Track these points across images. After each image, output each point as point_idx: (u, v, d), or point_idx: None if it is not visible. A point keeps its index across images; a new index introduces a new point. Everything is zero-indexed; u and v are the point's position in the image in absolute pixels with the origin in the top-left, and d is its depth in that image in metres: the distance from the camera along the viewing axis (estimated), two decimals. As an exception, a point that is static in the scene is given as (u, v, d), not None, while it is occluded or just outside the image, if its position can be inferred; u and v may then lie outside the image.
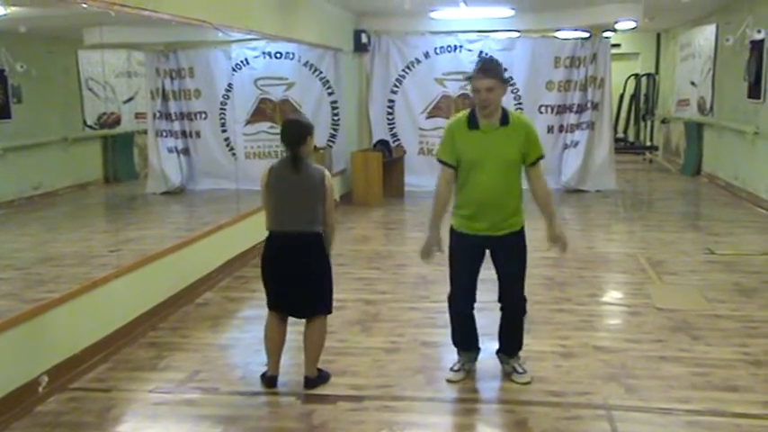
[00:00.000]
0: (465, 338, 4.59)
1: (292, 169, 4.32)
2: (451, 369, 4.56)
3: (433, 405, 4.28)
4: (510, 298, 4.47)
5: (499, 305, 4.52)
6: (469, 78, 4.23)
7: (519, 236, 4.38)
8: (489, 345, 4.95)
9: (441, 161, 4.35)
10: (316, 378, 4.45)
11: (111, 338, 4.98)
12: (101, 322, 4.92)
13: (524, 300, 4.51)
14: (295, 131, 4.38)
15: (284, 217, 4.35)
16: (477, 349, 4.63)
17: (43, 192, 7.88)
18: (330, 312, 4.52)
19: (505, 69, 4.33)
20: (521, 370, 4.51)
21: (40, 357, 4.32)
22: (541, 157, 4.34)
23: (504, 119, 4.24)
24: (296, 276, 4.34)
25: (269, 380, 4.47)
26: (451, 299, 4.53)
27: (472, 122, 4.25)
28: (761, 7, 10.04)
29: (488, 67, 4.18)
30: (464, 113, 4.34)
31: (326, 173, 4.43)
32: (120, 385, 4.52)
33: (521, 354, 4.59)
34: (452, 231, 4.39)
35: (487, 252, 4.40)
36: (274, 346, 4.48)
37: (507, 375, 4.52)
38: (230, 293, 6.47)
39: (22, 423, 4.00)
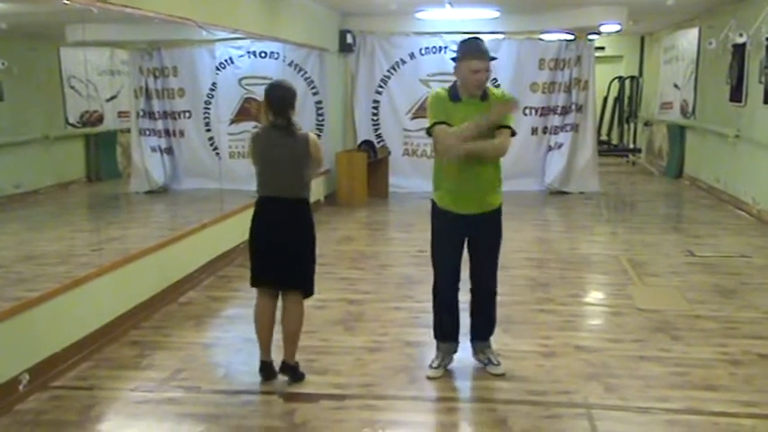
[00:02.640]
0: (447, 327, 4.60)
1: (284, 134, 4.30)
2: (431, 366, 4.59)
3: (415, 404, 4.29)
4: (485, 276, 4.52)
5: (470, 288, 4.56)
6: (454, 59, 4.29)
7: (497, 214, 4.45)
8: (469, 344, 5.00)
9: (437, 122, 4.25)
10: (294, 366, 4.44)
11: (93, 337, 4.96)
12: (83, 321, 4.90)
13: (495, 279, 4.56)
14: (286, 96, 4.37)
15: (274, 182, 4.35)
16: (457, 342, 4.65)
17: (24, 191, 7.83)
18: (311, 293, 4.49)
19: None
20: (495, 361, 4.56)
21: (21, 355, 4.29)
22: (511, 130, 4.28)
23: (484, 94, 4.32)
24: (283, 240, 4.32)
25: (263, 367, 4.46)
26: (436, 284, 4.56)
27: (453, 95, 4.33)
28: (743, 11, 10.14)
29: (484, 48, 4.28)
30: (444, 88, 4.42)
31: (311, 135, 4.41)
32: (102, 384, 4.50)
33: (494, 347, 4.63)
34: (435, 208, 4.46)
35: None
36: (263, 328, 4.47)
37: (483, 367, 4.57)
38: (213, 293, 6.46)
39: (2, 422, 3.98)
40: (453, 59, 4.34)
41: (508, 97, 4.39)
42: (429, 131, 4.34)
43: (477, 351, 4.65)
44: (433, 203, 4.48)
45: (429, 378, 4.50)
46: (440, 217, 4.46)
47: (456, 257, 4.47)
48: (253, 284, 4.49)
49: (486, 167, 4.33)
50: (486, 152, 4.26)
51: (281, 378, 4.47)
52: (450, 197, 4.37)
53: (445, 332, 4.63)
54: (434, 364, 4.58)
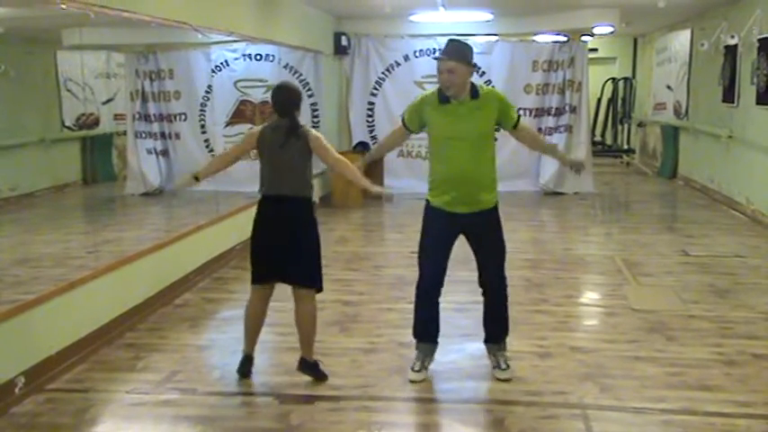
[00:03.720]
0: (426, 327, 4.60)
1: (289, 134, 4.32)
2: (412, 369, 4.56)
3: (411, 405, 4.31)
4: (489, 277, 4.53)
5: (480, 290, 4.58)
6: (438, 58, 4.33)
7: (493, 213, 4.45)
8: (467, 345, 5.03)
9: (402, 119, 4.59)
10: (312, 364, 4.47)
11: (89, 339, 4.96)
12: (78, 323, 4.90)
13: (504, 279, 4.56)
14: (291, 97, 4.41)
15: (277, 181, 4.38)
16: (435, 343, 4.64)
17: (20, 193, 7.82)
18: (320, 289, 4.52)
19: (481, 70, 4.42)
20: (504, 366, 4.55)
21: (17, 358, 4.29)
22: (519, 118, 4.52)
23: (474, 93, 4.33)
24: (288, 239, 4.34)
25: (245, 360, 4.51)
26: (420, 281, 4.57)
27: (443, 97, 4.34)
28: (734, 13, 10.19)
29: (449, 49, 4.29)
30: (435, 89, 4.43)
31: (312, 132, 4.42)
32: (98, 386, 4.51)
33: (513, 346, 4.65)
34: (428, 206, 4.47)
35: (464, 241, 4.47)
36: (253, 323, 4.52)
37: (491, 368, 4.57)
38: (209, 294, 6.46)
39: (-2, 424, 3.99)
40: None
41: (499, 96, 4.44)
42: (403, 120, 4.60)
43: (489, 352, 4.66)
44: (427, 202, 4.49)
45: (411, 382, 4.49)
46: (431, 215, 4.47)
47: (442, 257, 4.47)
48: (254, 281, 4.50)
49: (480, 166, 4.35)
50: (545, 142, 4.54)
51: (280, 378, 4.47)
52: (443, 196, 4.38)
53: (423, 331, 4.62)
54: (416, 367, 4.56)
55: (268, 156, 4.40)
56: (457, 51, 4.27)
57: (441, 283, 4.53)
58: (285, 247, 4.35)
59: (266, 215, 4.42)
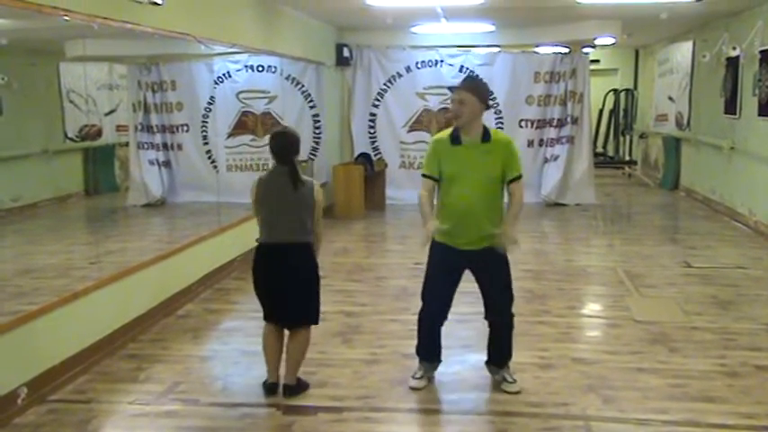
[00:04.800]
0: (430, 352, 4.65)
1: (289, 183, 4.35)
2: (413, 377, 4.61)
3: (413, 416, 4.31)
4: (496, 314, 4.53)
5: (487, 322, 4.58)
6: (451, 89, 4.36)
7: (500, 250, 4.41)
8: (470, 357, 5.03)
9: (423, 175, 4.44)
10: (295, 386, 4.48)
11: (91, 350, 4.96)
12: (81, 334, 4.90)
13: (511, 315, 4.56)
14: (289, 143, 4.43)
15: (277, 228, 4.40)
16: (439, 361, 4.69)
17: (23, 204, 7.82)
18: (317, 323, 4.57)
19: (492, 95, 4.39)
20: (510, 379, 4.55)
21: (20, 369, 4.30)
22: (520, 176, 4.41)
23: (486, 136, 4.34)
24: (286, 285, 4.37)
25: (269, 387, 4.51)
26: (423, 311, 4.59)
27: (455, 138, 4.36)
28: (736, 25, 10.21)
29: (465, 82, 4.37)
30: (449, 130, 4.46)
31: (316, 185, 4.49)
32: (100, 397, 4.50)
33: (515, 358, 4.66)
34: (433, 243, 4.44)
35: (469, 272, 4.47)
36: (272, 353, 4.53)
37: (497, 384, 4.57)
38: (211, 305, 6.46)
39: (0, 435, 3.99)
40: None
41: (510, 145, 4.41)
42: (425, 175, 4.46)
43: (491, 372, 4.67)
44: (432, 239, 4.40)
45: (412, 389, 4.53)
46: (437, 250, 4.45)
47: (447, 292, 4.48)
48: (264, 318, 4.54)
49: (488, 208, 4.34)
50: (518, 217, 4.49)
51: (280, 392, 4.48)
52: (450, 235, 4.34)
53: (425, 353, 4.67)
54: (417, 375, 4.62)
55: (268, 204, 4.41)
56: (470, 83, 4.37)
57: (444, 316, 4.56)
58: (285, 294, 4.40)
59: (266, 264, 4.44)
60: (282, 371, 4.51)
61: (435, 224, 4.24)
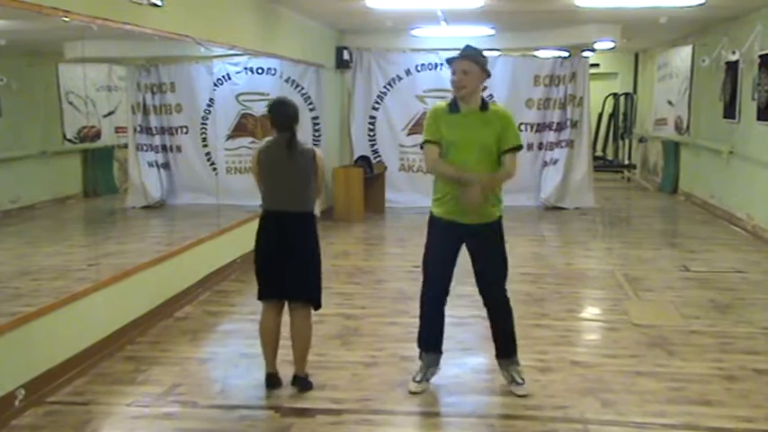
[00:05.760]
0: (431, 336, 4.60)
1: (287, 151, 4.35)
2: (414, 380, 4.58)
3: (412, 419, 4.30)
4: (489, 293, 4.53)
5: (485, 307, 4.58)
6: (450, 62, 4.35)
7: (495, 226, 4.46)
8: (469, 359, 5.03)
9: (428, 141, 4.39)
10: (304, 378, 4.49)
11: (90, 352, 4.96)
12: (79, 336, 4.90)
13: (506, 295, 4.55)
14: (290, 112, 4.44)
15: (279, 197, 4.40)
16: (439, 353, 4.64)
17: (21, 205, 7.81)
18: (319, 306, 4.54)
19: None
20: (520, 380, 4.53)
21: (17, 371, 4.29)
22: (518, 147, 4.41)
23: (484, 106, 4.37)
24: (289, 253, 4.36)
25: (269, 378, 4.53)
26: (424, 291, 4.57)
27: (453, 106, 4.38)
28: (735, 29, 10.23)
29: (467, 51, 4.35)
30: (445, 101, 4.48)
31: (317, 151, 4.49)
32: (98, 399, 4.50)
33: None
34: (431, 217, 4.49)
35: (466, 256, 4.47)
36: (269, 338, 4.52)
37: (507, 384, 4.55)
38: (210, 308, 6.45)
39: (-2, 436, 3.98)
40: None
41: (508, 116, 4.43)
42: (422, 145, 4.46)
43: (501, 368, 4.64)
44: (431, 213, 4.50)
45: (411, 392, 4.50)
46: (435, 226, 4.49)
47: (447, 267, 4.48)
48: (259, 297, 4.52)
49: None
50: (499, 182, 4.42)
51: (281, 391, 4.47)
52: (446, 205, 4.38)
53: (428, 340, 4.62)
54: (417, 378, 4.58)
55: (270, 172, 4.42)
56: (471, 52, 4.34)
57: (446, 293, 4.54)
58: (286, 262, 4.36)
59: (268, 230, 4.44)
60: (279, 367, 4.50)
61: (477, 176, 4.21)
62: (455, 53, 4.39)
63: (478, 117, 4.34)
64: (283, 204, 4.40)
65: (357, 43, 12.00)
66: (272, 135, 4.48)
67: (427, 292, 4.57)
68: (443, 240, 4.46)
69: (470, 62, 4.28)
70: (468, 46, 4.41)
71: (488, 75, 4.39)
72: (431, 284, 4.55)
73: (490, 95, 11.26)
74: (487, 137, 4.34)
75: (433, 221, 4.50)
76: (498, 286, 4.53)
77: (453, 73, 4.31)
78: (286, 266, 4.37)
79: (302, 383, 4.51)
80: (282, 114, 4.43)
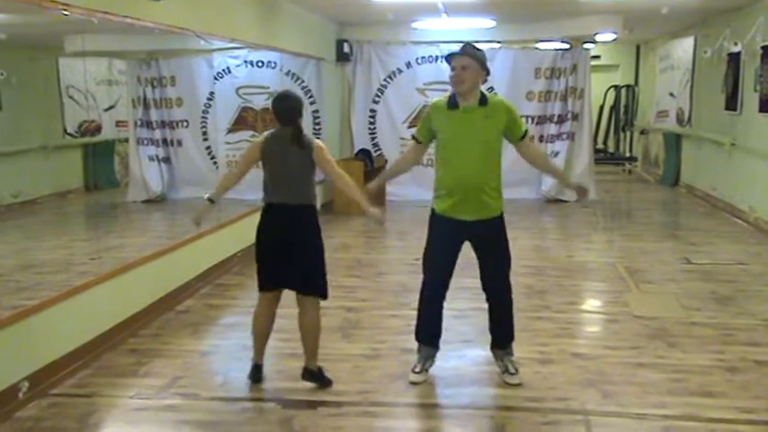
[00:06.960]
0: (429, 330, 4.63)
1: (292, 143, 4.33)
2: (413, 371, 4.60)
3: (413, 411, 4.32)
4: (494, 285, 4.55)
5: (485, 296, 4.59)
6: (450, 57, 4.35)
7: (498, 221, 4.46)
8: (469, 351, 5.04)
9: (412, 137, 4.64)
10: (316, 372, 4.49)
11: (92, 345, 4.97)
12: (81, 329, 4.91)
13: (509, 287, 4.57)
14: (293, 105, 4.43)
15: (280, 190, 4.38)
16: (436, 348, 4.66)
17: (23, 200, 7.83)
18: (325, 296, 4.52)
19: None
20: (513, 370, 4.55)
21: (21, 363, 4.30)
22: (526, 132, 4.51)
23: (483, 100, 4.37)
24: (292, 246, 4.35)
25: (255, 370, 4.53)
26: (423, 286, 4.59)
27: (452, 102, 4.38)
28: (737, 21, 10.20)
29: (466, 48, 4.36)
30: (445, 96, 4.47)
31: (316, 142, 4.43)
32: (101, 391, 4.51)
33: (515, 354, 4.65)
34: (433, 214, 4.49)
35: (468, 248, 4.48)
36: (259, 330, 4.53)
37: (499, 375, 4.57)
38: (211, 301, 6.47)
39: (1, 429, 3.99)
40: None
41: (508, 106, 4.44)
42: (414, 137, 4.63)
43: (496, 358, 4.67)
44: (432, 210, 4.51)
45: (412, 383, 4.53)
46: (436, 222, 4.50)
47: (447, 264, 4.49)
48: (260, 289, 4.51)
49: (485, 173, 4.36)
50: (558, 170, 4.82)
51: (282, 383, 4.48)
52: (447, 201, 4.39)
53: (425, 334, 4.65)
54: (417, 369, 4.61)
55: (272, 165, 4.41)
56: (470, 49, 4.35)
57: (445, 289, 4.55)
58: (289, 254, 4.36)
59: (271, 223, 4.43)
60: (281, 363, 4.51)
61: (376, 212, 4.45)
62: (455, 47, 4.40)
63: (478, 112, 4.34)
64: (286, 197, 4.39)
65: (357, 36, 11.98)
66: (273, 128, 4.48)
67: (427, 289, 4.59)
68: (444, 237, 4.47)
69: (469, 58, 4.29)
70: (467, 43, 4.42)
71: (487, 72, 4.40)
72: (430, 281, 4.56)
73: (490, 88, 11.25)
74: (489, 131, 4.34)
75: (434, 217, 4.50)
76: (502, 277, 4.55)
77: (452, 69, 4.31)
78: (288, 259, 4.36)
79: (320, 379, 4.49)
80: (284, 108, 4.42)
